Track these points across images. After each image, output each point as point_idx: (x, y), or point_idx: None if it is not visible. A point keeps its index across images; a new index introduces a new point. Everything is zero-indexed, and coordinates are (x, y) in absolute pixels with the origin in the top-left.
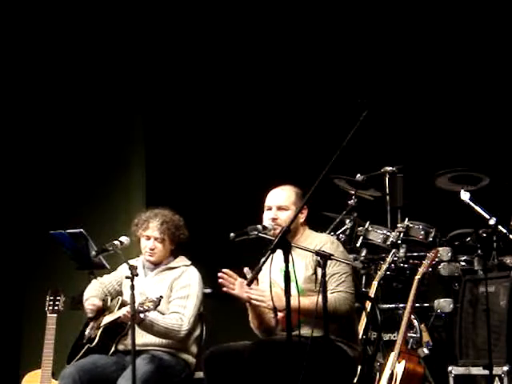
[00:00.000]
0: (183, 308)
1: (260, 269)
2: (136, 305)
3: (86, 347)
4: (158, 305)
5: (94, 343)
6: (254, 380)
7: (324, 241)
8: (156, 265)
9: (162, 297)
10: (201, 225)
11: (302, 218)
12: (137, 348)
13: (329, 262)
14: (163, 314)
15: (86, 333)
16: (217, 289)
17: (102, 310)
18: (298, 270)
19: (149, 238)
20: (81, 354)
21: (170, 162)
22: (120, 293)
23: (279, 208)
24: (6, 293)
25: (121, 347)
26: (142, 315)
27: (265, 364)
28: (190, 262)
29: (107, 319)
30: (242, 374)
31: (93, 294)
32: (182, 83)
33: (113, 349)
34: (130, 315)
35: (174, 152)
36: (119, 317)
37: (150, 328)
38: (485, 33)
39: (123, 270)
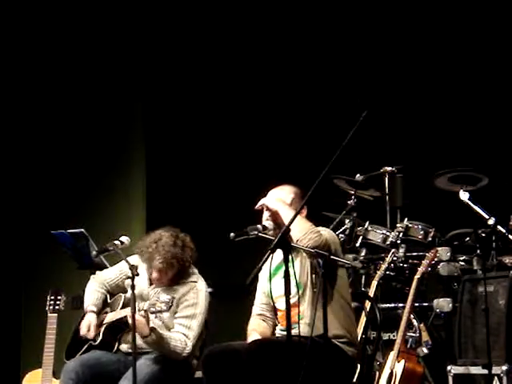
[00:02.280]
0: (187, 329)
1: (260, 268)
2: (146, 306)
3: (88, 344)
4: (171, 305)
5: (97, 341)
6: (253, 379)
7: None
8: None
9: (174, 297)
10: (201, 224)
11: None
12: (140, 350)
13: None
14: (169, 329)
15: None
16: (217, 289)
17: (103, 307)
18: (298, 269)
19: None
20: (82, 350)
21: (170, 161)
22: (124, 289)
23: None
24: (7, 292)
25: (123, 347)
26: (153, 316)
27: (264, 363)
28: (197, 277)
29: (110, 317)
30: (240, 374)
31: (91, 308)
32: (182, 83)
33: (116, 347)
34: (131, 315)
35: (175, 151)
36: (125, 316)
37: (156, 341)
38: (485, 33)
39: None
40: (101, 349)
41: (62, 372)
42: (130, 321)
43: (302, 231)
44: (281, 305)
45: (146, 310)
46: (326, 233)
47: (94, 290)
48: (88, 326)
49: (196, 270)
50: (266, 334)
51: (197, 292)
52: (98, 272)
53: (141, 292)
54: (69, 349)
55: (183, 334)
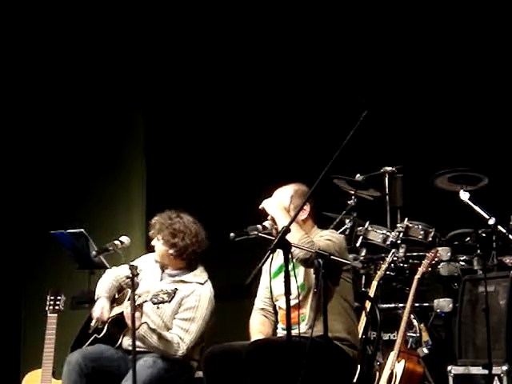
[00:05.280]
0: (185, 332)
1: (260, 269)
2: (150, 296)
3: (93, 337)
4: (174, 297)
5: (101, 334)
6: (253, 380)
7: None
8: (173, 275)
9: (176, 289)
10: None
11: (302, 216)
12: (141, 349)
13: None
14: (168, 328)
15: (92, 323)
16: (217, 289)
17: (111, 302)
18: (301, 270)
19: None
20: (87, 344)
21: (170, 161)
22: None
23: None
24: (6, 292)
25: (126, 343)
26: (155, 307)
27: (264, 364)
28: (205, 279)
29: (115, 311)
30: (241, 374)
31: (104, 295)
32: (182, 85)
33: (120, 341)
34: (130, 315)
35: (175, 151)
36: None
37: (148, 335)
38: (485, 33)
39: (141, 263)
40: (105, 343)
41: (65, 363)
42: (125, 317)
43: (293, 241)
44: (282, 303)
45: (139, 305)
46: (322, 239)
47: (106, 281)
48: (101, 308)
49: (206, 274)
50: (270, 334)
51: (199, 295)
52: (113, 267)
53: (149, 288)
54: (75, 343)
55: (179, 336)
